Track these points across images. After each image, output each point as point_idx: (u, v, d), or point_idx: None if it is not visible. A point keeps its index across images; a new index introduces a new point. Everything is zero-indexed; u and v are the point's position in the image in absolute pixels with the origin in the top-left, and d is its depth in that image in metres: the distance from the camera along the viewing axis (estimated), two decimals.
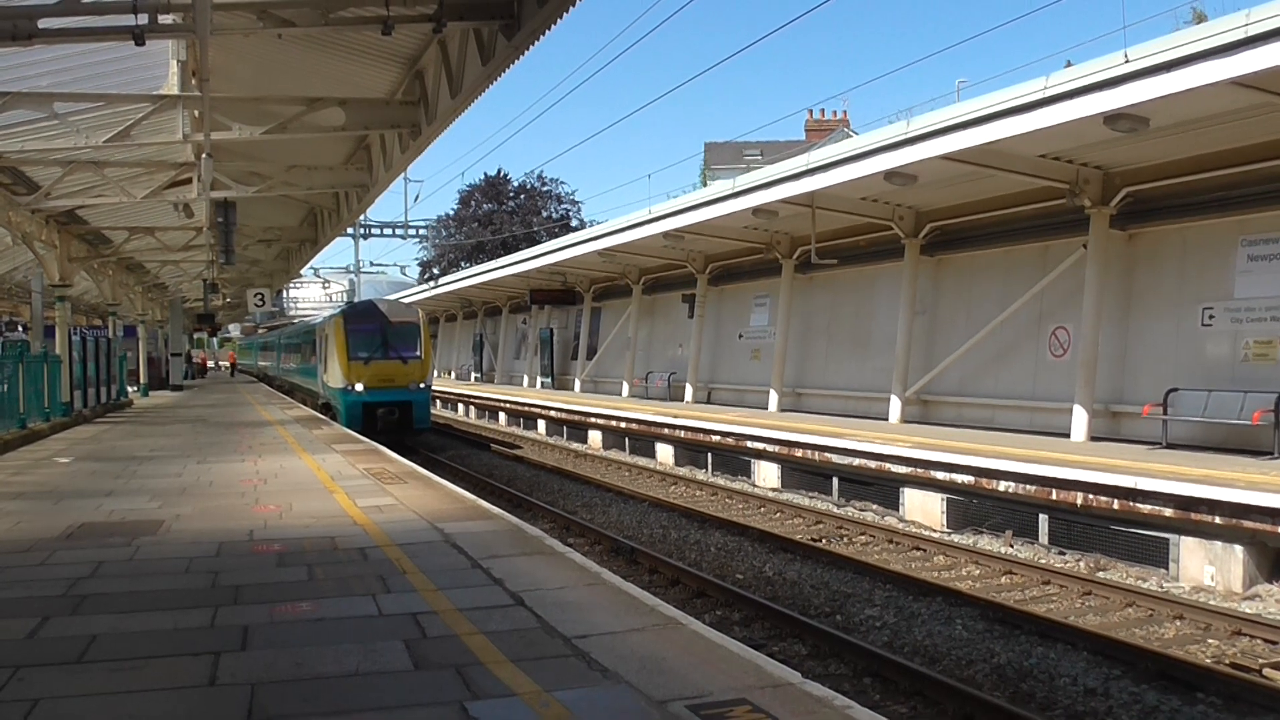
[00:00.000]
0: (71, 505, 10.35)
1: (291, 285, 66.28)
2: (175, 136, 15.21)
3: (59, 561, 7.51)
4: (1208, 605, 9.63)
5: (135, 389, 36.58)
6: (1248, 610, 9.55)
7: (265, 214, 26.77)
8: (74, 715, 4.33)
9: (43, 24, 10.19)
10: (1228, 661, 8.09)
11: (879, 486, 15.53)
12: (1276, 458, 12.89)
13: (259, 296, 37.22)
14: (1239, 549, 10.27)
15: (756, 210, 19.84)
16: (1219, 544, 10.44)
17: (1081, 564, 11.63)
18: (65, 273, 23.90)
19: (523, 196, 70.14)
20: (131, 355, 38.28)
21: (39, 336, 29.51)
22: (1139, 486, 11.12)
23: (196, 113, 14.59)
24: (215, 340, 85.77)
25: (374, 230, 58.37)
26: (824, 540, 13.41)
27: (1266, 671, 7.82)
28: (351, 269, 68.60)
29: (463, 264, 63.09)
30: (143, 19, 10.12)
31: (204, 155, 15.54)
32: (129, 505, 10.33)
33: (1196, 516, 10.53)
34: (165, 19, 10.60)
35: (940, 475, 14.06)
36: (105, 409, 27.06)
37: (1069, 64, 15.16)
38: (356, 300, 43.90)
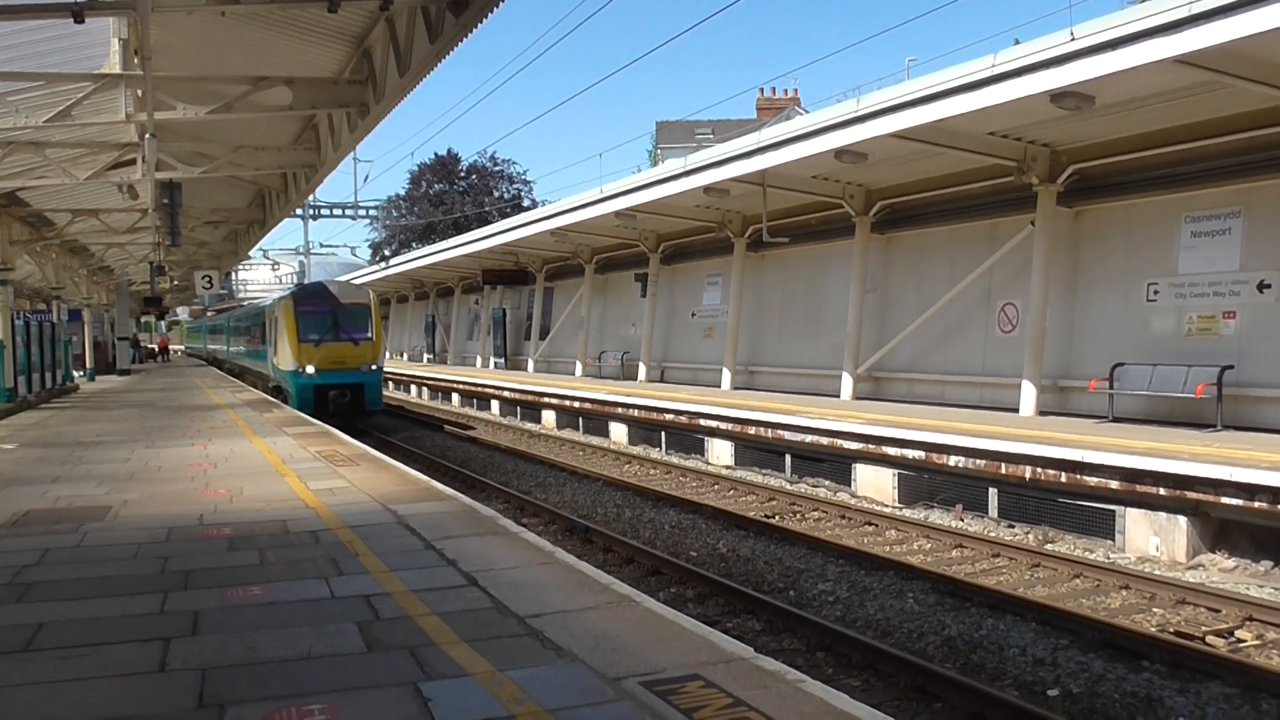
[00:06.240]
0: (17, 492, 10.18)
1: (240, 267, 65.52)
2: (118, 116, 14.91)
3: (4, 549, 7.38)
4: (1153, 575, 9.81)
5: (81, 374, 36.02)
6: (1191, 579, 9.76)
7: (212, 195, 26.38)
8: (22, 704, 4.27)
9: None
10: (1172, 630, 8.26)
11: (831, 463, 15.66)
12: (1219, 430, 13.16)
13: (207, 279, 36.74)
14: (1183, 520, 10.48)
15: (708, 189, 19.82)
16: (1163, 515, 10.64)
17: (1030, 536, 11.81)
18: (6, 256, 23.44)
19: (474, 177, 69.59)
20: (77, 340, 37.66)
21: None
22: (1086, 460, 11.30)
23: (139, 92, 14.30)
24: (163, 324, 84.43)
25: (323, 211, 57.76)
26: (777, 517, 13.50)
27: (1209, 639, 8.00)
28: (301, 250, 67.96)
29: (414, 245, 62.58)
30: None
31: (148, 135, 15.26)
32: (76, 491, 10.18)
33: (1142, 488, 10.72)
34: None
35: (891, 451, 14.20)
36: (51, 394, 26.65)
37: (1017, 42, 15.24)
38: (306, 282, 43.46)
